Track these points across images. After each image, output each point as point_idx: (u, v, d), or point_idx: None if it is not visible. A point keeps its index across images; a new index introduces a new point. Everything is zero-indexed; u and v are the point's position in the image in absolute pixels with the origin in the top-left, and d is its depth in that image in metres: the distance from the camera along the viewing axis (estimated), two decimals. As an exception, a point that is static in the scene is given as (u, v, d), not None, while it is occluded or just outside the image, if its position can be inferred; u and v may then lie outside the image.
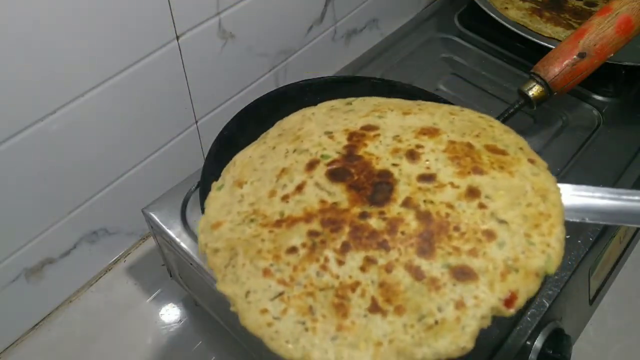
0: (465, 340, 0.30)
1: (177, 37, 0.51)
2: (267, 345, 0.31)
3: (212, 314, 0.55)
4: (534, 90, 0.53)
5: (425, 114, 0.41)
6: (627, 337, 0.59)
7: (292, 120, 0.44)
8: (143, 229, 0.64)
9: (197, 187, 0.51)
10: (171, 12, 0.49)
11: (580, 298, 0.54)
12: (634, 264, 0.65)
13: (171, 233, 0.48)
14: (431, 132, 0.39)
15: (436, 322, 0.30)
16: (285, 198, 0.36)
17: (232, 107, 0.63)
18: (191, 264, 0.47)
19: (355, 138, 0.39)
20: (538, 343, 0.44)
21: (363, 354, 0.30)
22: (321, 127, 0.41)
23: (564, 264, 0.48)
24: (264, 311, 0.32)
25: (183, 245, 0.47)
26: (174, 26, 0.50)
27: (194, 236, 0.48)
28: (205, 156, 0.46)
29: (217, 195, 0.39)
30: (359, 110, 0.43)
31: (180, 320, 0.58)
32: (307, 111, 0.44)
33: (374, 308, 0.31)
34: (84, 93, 0.46)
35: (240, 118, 0.49)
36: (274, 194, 0.37)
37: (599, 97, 0.65)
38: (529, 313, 0.44)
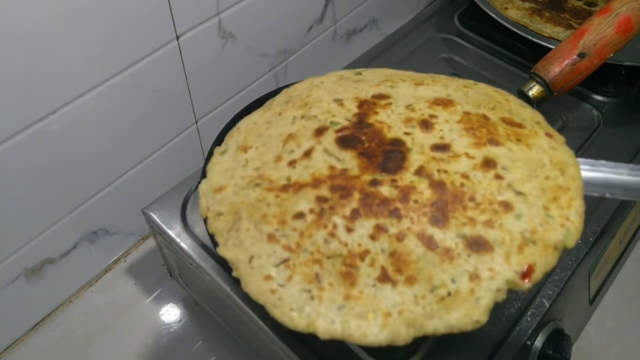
0: (479, 313, 0.29)
1: (177, 37, 0.51)
2: (270, 313, 0.30)
3: (212, 314, 0.55)
4: (534, 90, 0.52)
5: (439, 85, 0.41)
6: (627, 337, 0.59)
7: (300, 87, 0.42)
8: (143, 229, 0.64)
9: (197, 187, 0.51)
10: (171, 12, 0.48)
11: (580, 298, 0.54)
12: (634, 264, 0.65)
13: (171, 233, 0.48)
14: (445, 102, 0.38)
15: (449, 294, 0.29)
16: (292, 163, 0.35)
17: (232, 107, 0.63)
18: (191, 264, 0.47)
19: (366, 106, 0.38)
20: (538, 343, 0.44)
21: (371, 325, 0.29)
22: (330, 95, 0.40)
23: (564, 264, 0.48)
24: (268, 277, 0.31)
25: (183, 245, 0.47)
26: (174, 26, 0.50)
27: (194, 236, 0.48)
28: (205, 156, 0.46)
29: (220, 160, 0.38)
30: (370, 80, 0.42)
31: (180, 320, 0.58)
32: (315, 79, 0.43)
33: (384, 278, 0.30)
34: (84, 93, 0.46)
35: (240, 118, 0.49)
36: (280, 159, 0.36)
37: (599, 97, 0.65)
38: (529, 313, 0.44)
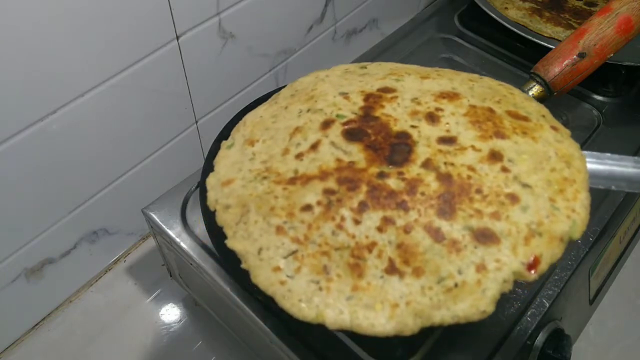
0: (486, 304, 0.29)
1: (177, 37, 0.51)
2: (280, 304, 0.31)
3: (212, 314, 0.55)
4: (534, 91, 0.52)
5: (444, 79, 0.41)
6: (627, 337, 0.59)
7: (305, 81, 0.43)
8: (143, 229, 0.64)
9: (197, 187, 0.51)
10: (171, 12, 0.48)
11: (580, 298, 0.54)
12: (634, 264, 0.65)
13: (171, 233, 0.48)
14: (451, 96, 0.38)
15: (456, 285, 0.30)
16: (299, 156, 0.36)
17: (232, 107, 0.63)
18: (191, 264, 0.47)
19: (372, 99, 0.38)
20: (538, 343, 0.44)
21: (379, 315, 0.29)
22: (336, 88, 0.40)
23: (564, 264, 0.48)
24: (277, 269, 0.31)
25: (183, 245, 0.47)
26: (174, 26, 0.50)
27: (194, 236, 0.48)
28: (205, 156, 0.46)
29: (227, 154, 0.38)
30: (375, 74, 0.42)
31: (180, 320, 0.58)
32: (321, 73, 0.43)
33: (391, 269, 0.31)
34: (84, 93, 0.46)
35: (240, 118, 0.49)
36: (287, 152, 0.36)
37: (599, 97, 0.65)
38: (529, 313, 0.44)
